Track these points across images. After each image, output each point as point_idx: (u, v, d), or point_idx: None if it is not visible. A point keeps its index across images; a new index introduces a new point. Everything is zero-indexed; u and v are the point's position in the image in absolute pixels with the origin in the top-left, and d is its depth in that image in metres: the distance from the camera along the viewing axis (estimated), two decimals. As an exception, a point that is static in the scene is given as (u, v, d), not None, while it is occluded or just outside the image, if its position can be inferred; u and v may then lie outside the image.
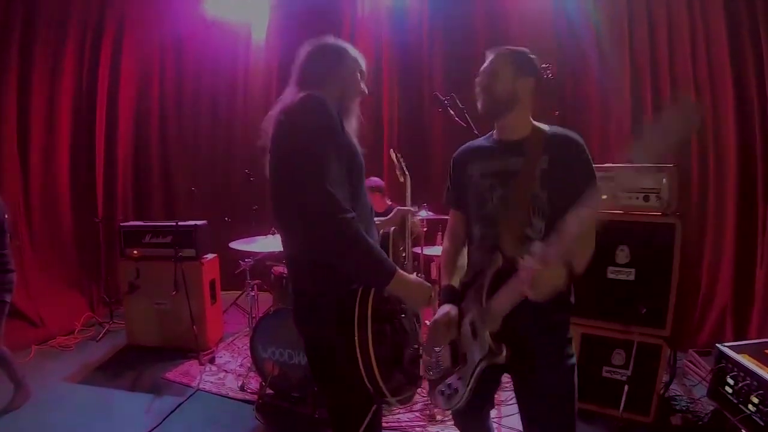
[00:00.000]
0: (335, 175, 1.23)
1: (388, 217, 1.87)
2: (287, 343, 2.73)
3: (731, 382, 2.07)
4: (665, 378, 2.54)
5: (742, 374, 2.02)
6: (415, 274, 1.63)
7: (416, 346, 1.54)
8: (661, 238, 2.39)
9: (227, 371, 3.29)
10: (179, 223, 3.61)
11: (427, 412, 2.65)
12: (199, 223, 3.71)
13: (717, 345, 2.22)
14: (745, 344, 2.28)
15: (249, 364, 3.06)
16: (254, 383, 3.02)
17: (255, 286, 3.44)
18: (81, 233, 4.45)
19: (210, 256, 3.80)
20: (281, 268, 3.11)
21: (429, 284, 1.38)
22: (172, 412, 2.72)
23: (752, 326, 3.11)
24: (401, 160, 2.17)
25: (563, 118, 3.30)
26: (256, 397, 2.87)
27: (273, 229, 3.04)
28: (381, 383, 1.26)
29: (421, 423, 2.60)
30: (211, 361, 3.42)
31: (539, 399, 1.42)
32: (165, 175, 5.27)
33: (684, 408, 2.62)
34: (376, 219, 1.53)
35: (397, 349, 1.40)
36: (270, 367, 2.74)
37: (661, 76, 3.60)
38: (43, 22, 4.03)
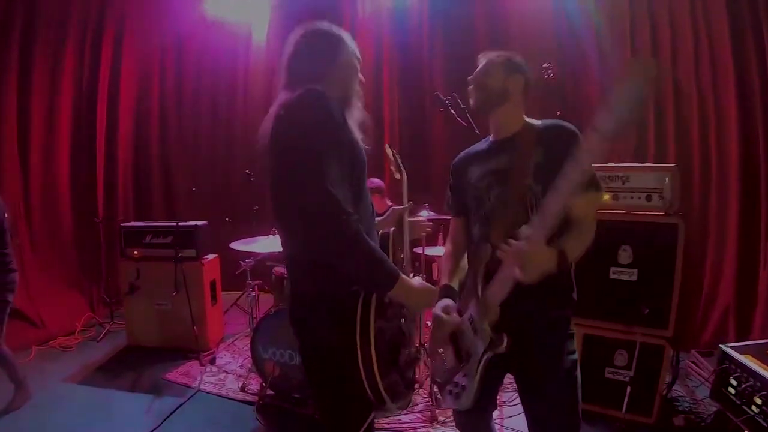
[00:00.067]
0: (336, 173, 1.19)
1: (383, 217, 1.79)
2: (288, 344, 2.72)
3: (734, 383, 2.06)
4: (668, 379, 2.53)
5: (745, 375, 2.01)
6: (411, 274, 1.62)
7: (413, 349, 1.52)
8: (664, 238, 2.38)
9: (228, 372, 3.28)
10: (180, 224, 3.60)
11: (429, 413, 2.64)
12: (199, 223, 3.70)
13: (720, 345, 2.21)
14: (749, 345, 2.27)
15: (250, 365, 3.05)
16: (255, 384, 3.01)
17: (256, 287, 3.43)
18: (81, 233, 4.44)
19: (210, 256, 3.79)
20: (282, 269, 3.10)
21: (434, 288, 1.36)
22: (172, 412, 2.71)
23: (755, 326, 3.10)
24: (397, 156, 2.12)
25: (564, 118, 3.28)
26: (256, 398, 2.86)
27: (273, 229, 3.03)
28: (381, 388, 1.24)
29: (423, 424, 2.58)
30: (212, 361, 3.42)
31: (541, 397, 1.42)
32: (165, 175, 5.27)
33: (687, 409, 2.61)
34: None
35: (395, 353, 1.38)
36: (270, 368, 2.73)
37: (664, 77, 3.58)
38: (43, 22, 4.03)
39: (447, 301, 1.52)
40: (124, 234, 3.73)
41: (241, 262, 3.52)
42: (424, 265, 3.25)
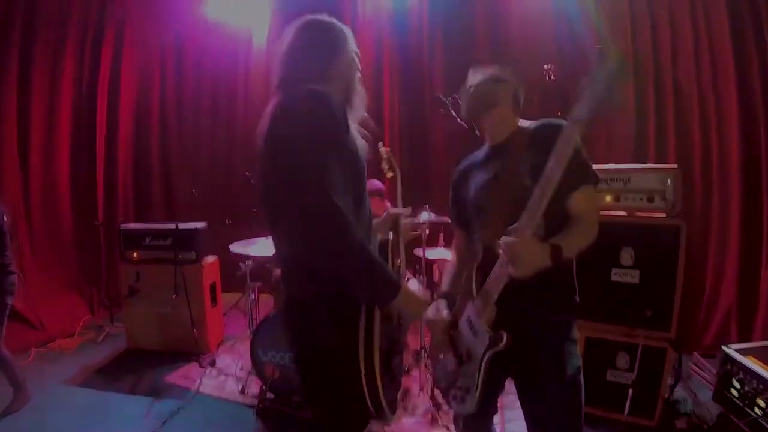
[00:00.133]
0: (337, 179, 1.17)
1: (380, 219, 1.72)
2: (288, 347, 2.70)
3: (737, 385, 2.05)
4: (670, 381, 2.51)
5: (748, 377, 2.00)
6: (407, 278, 1.61)
7: (403, 356, 1.53)
8: (666, 239, 2.37)
9: (228, 374, 3.27)
10: (179, 226, 3.58)
11: (430, 416, 2.62)
12: (199, 225, 3.68)
13: (723, 347, 2.21)
14: (751, 347, 2.26)
15: (249, 368, 3.03)
16: (255, 387, 3.00)
17: (256, 289, 3.42)
18: (81, 235, 4.43)
19: (210, 258, 3.78)
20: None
21: (427, 299, 1.35)
22: (172, 415, 2.71)
23: (757, 328, 3.09)
24: (391, 155, 2.06)
25: (564, 118, 3.28)
26: (256, 400, 2.85)
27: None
28: (381, 395, 1.23)
29: (424, 427, 2.57)
30: (212, 364, 3.40)
31: (540, 396, 1.41)
32: (165, 176, 5.25)
33: (689, 411, 2.60)
34: None
35: (389, 357, 1.37)
36: (270, 371, 2.72)
37: (664, 77, 3.58)
38: (43, 22, 4.02)
39: (437, 303, 1.54)
40: (124, 236, 3.71)
41: (241, 264, 3.50)
42: (425, 267, 3.24)
